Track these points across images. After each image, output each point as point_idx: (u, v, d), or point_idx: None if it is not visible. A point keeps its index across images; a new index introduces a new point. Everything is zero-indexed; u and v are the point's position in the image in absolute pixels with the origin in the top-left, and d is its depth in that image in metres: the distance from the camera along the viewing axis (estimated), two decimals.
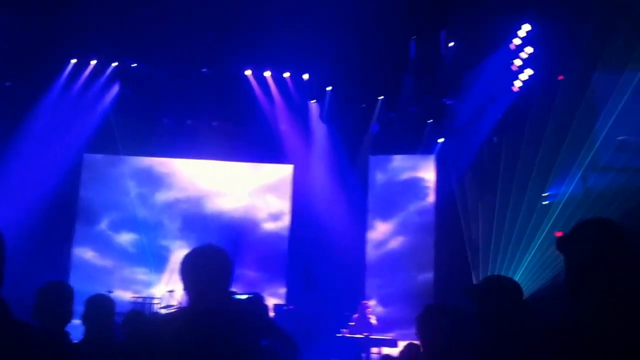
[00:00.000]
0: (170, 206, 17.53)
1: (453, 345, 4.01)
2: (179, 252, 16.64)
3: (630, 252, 2.72)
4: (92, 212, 17.18)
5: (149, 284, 16.65)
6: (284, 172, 17.99)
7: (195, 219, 17.36)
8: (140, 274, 16.91)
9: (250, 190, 17.84)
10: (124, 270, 16.84)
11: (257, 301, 5.45)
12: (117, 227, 17.23)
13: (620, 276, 2.68)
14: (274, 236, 17.64)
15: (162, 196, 17.55)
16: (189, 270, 3.48)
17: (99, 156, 17.47)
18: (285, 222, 17.77)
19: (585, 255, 2.74)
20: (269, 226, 17.73)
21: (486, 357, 3.50)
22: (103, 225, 17.17)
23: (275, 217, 17.78)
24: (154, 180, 17.63)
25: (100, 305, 4.83)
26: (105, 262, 16.92)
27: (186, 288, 3.47)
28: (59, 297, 4.24)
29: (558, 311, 2.96)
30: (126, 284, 15.62)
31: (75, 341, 4.84)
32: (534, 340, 2.99)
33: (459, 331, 4.06)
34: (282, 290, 17.20)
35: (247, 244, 16.74)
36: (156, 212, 17.44)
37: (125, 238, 17.19)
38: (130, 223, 17.25)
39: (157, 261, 16.90)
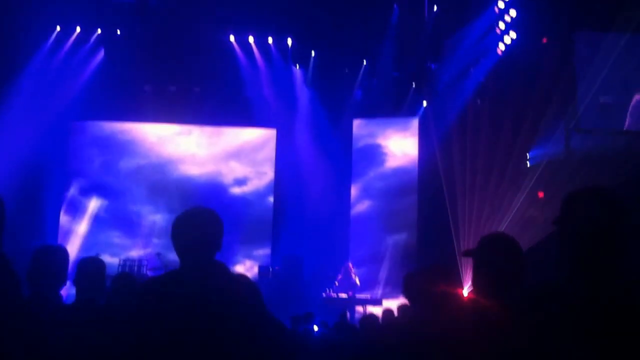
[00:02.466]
0: (138, 171, 17.26)
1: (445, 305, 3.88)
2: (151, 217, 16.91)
3: (628, 221, 2.63)
4: (64, 177, 16.93)
5: (125, 248, 16.42)
6: (267, 136, 17.76)
7: (170, 184, 17.18)
8: (115, 237, 16.67)
9: (232, 154, 17.57)
10: (99, 235, 16.56)
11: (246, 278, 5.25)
12: (87, 192, 16.96)
13: (621, 246, 2.59)
14: (257, 199, 17.40)
15: (131, 163, 17.29)
16: (180, 231, 3.38)
17: (79, 122, 17.15)
18: (266, 182, 17.56)
19: (587, 227, 2.62)
20: (248, 189, 17.50)
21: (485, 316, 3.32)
22: (73, 190, 16.89)
23: (259, 177, 17.57)
24: (128, 147, 17.36)
25: (92, 268, 4.68)
26: (80, 227, 16.67)
27: (177, 249, 3.37)
28: (54, 261, 4.16)
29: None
30: (103, 248, 15.34)
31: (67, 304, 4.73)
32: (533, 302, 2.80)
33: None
34: (264, 252, 17.05)
35: (227, 206, 16.56)
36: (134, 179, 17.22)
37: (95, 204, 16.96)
38: (98, 189, 17.02)
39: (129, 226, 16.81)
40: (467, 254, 3.65)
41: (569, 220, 2.68)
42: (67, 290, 4.81)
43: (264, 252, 17.04)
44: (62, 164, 16.77)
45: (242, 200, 17.25)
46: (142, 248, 16.46)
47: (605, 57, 12.45)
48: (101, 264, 4.77)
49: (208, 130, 17.70)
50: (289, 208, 16.81)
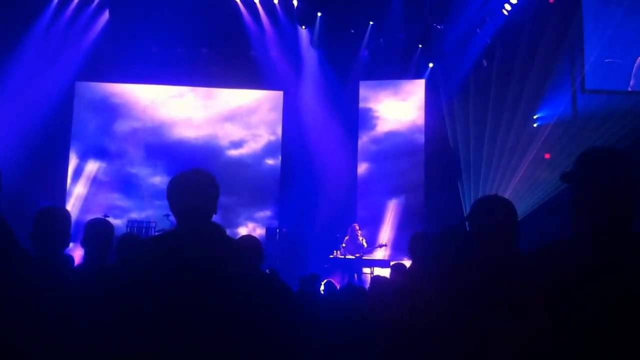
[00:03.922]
0: (134, 134, 17.35)
1: (444, 264, 3.99)
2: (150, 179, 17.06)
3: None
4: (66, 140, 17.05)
5: (127, 210, 16.61)
6: (261, 99, 17.88)
7: (166, 147, 17.31)
8: (117, 199, 16.85)
9: (227, 117, 17.66)
10: (99, 197, 16.71)
11: (249, 241, 5.36)
12: (84, 155, 17.07)
13: (635, 206, 2.62)
14: (255, 161, 17.53)
15: (125, 125, 17.38)
16: (175, 193, 3.47)
17: (83, 84, 17.22)
18: (262, 145, 17.68)
19: (605, 183, 2.63)
20: (245, 151, 17.60)
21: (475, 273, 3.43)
22: (72, 152, 17.00)
23: (255, 140, 17.69)
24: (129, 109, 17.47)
25: (101, 229, 4.79)
26: (80, 189, 16.81)
27: (173, 211, 3.46)
28: (57, 222, 4.17)
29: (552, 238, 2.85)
30: (105, 210, 15.46)
31: (74, 265, 4.82)
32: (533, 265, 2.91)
33: (450, 251, 4.03)
34: (265, 214, 17.23)
35: (225, 169, 16.68)
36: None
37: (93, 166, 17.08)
38: (95, 151, 17.13)
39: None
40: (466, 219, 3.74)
41: (584, 177, 2.68)
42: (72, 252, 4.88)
43: (264, 214, 17.24)
44: (65, 126, 16.88)
45: (240, 162, 17.35)
46: (143, 210, 16.69)
47: (611, 17, 12.41)
48: (109, 226, 4.89)
49: (201, 92, 17.74)
50: (296, 170, 16.92)
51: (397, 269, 7.17)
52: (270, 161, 17.62)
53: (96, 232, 4.72)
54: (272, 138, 17.73)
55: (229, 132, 17.65)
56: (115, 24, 16.34)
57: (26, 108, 15.17)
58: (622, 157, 2.66)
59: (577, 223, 2.73)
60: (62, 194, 16.40)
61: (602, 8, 12.73)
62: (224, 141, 17.59)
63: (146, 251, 3.49)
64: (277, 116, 17.83)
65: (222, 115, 17.68)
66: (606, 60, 12.97)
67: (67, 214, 4.32)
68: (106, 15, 16.41)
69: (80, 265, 4.71)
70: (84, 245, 4.65)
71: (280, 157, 17.61)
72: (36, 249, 4.04)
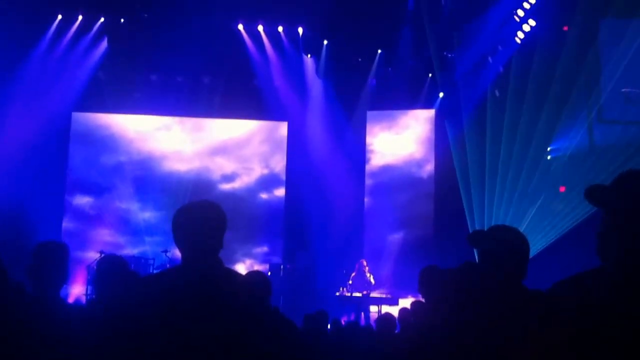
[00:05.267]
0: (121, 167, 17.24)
1: (456, 300, 3.89)
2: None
3: None
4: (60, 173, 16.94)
5: (119, 246, 16.32)
6: (253, 130, 17.86)
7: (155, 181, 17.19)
8: (107, 235, 16.67)
9: (218, 150, 17.63)
10: (89, 233, 16.55)
11: (258, 278, 5.27)
12: (73, 188, 16.99)
13: None
14: (249, 195, 17.47)
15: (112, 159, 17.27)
16: (181, 226, 3.37)
17: (81, 114, 17.20)
18: (255, 178, 17.63)
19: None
20: (238, 185, 17.58)
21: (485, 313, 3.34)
22: (61, 186, 16.88)
23: (248, 173, 17.64)
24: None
25: (112, 266, 4.70)
26: (70, 224, 16.70)
27: (178, 245, 3.37)
28: (55, 258, 4.09)
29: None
30: (96, 247, 15.33)
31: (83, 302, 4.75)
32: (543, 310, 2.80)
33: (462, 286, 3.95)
34: (262, 250, 17.14)
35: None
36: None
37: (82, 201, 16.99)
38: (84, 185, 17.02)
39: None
40: (471, 240, 3.65)
41: (619, 203, 2.52)
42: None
43: (262, 250, 17.17)
44: (60, 158, 16.80)
45: (233, 196, 17.17)
46: (135, 246, 16.55)
47: (628, 45, 12.36)
48: (124, 263, 4.80)
49: (191, 124, 17.68)
50: (300, 203, 16.81)
51: (406, 311, 7.07)
52: (264, 195, 17.57)
53: (108, 269, 4.65)
54: (265, 171, 17.69)
55: (221, 165, 17.60)
56: (114, 53, 16.36)
57: (21, 139, 15.12)
58: None
59: (606, 252, 2.57)
60: (57, 229, 16.26)
61: (619, 36, 12.69)
62: (215, 174, 17.55)
63: (152, 287, 3.40)
64: (269, 148, 17.79)
65: (213, 148, 17.64)
66: (623, 90, 12.92)
67: (65, 250, 4.24)
68: (105, 44, 16.44)
69: (89, 303, 4.64)
70: (94, 284, 4.58)
71: (278, 190, 17.57)
72: (33, 287, 3.97)
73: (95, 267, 4.61)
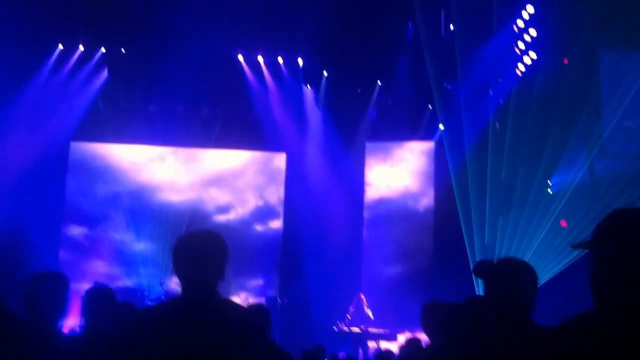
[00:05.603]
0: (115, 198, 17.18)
1: (464, 340, 3.83)
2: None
3: None
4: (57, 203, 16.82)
5: (113, 278, 16.16)
6: (247, 161, 17.84)
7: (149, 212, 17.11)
8: (102, 267, 16.56)
9: (241, 179, 17.57)
10: (83, 264, 16.38)
11: (258, 310, 5.22)
12: (66, 218, 16.90)
13: None
14: (243, 227, 17.38)
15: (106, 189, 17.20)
16: (181, 256, 3.34)
17: (79, 144, 17.15)
18: (250, 210, 17.58)
19: (626, 250, 2.42)
20: (232, 217, 17.55)
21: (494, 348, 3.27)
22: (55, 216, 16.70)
23: (242, 205, 17.57)
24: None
25: (102, 296, 4.65)
26: (63, 255, 16.59)
27: (178, 275, 3.34)
28: (54, 288, 4.07)
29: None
30: (89, 277, 15.23)
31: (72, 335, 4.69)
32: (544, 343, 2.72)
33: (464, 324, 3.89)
34: (256, 283, 17.02)
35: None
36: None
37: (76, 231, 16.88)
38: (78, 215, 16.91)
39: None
40: (477, 271, 3.60)
41: (607, 241, 2.49)
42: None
43: (257, 282, 17.04)
44: (57, 187, 16.72)
45: (227, 228, 16.95)
46: (129, 277, 16.45)
47: (630, 78, 12.34)
48: (112, 294, 4.75)
49: (184, 155, 17.65)
50: (297, 235, 16.73)
51: (410, 344, 6.97)
52: (259, 227, 17.50)
53: (96, 300, 4.60)
54: (260, 203, 17.63)
55: (215, 197, 17.55)
56: (114, 82, 16.41)
57: (20, 168, 15.13)
58: None
59: (599, 295, 2.53)
60: (54, 259, 16.12)
61: (620, 69, 12.69)
62: (210, 206, 17.48)
63: (152, 318, 3.36)
64: (264, 180, 17.77)
65: (207, 179, 17.60)
66: (625, 124, 12.89)
67: (64, 280, 4.20)
68: (105, 74, 16.48)
69: (81, 335, 4.59)
70: (83, 315, 4.53)
71: (273, 222, 17.52)
72: (29, 317, 3.91)
73: (83, 297, 4.55)
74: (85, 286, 14.32)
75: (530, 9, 13.89)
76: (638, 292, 2.39)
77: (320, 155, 16.98)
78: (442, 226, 16.17)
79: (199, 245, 3.34)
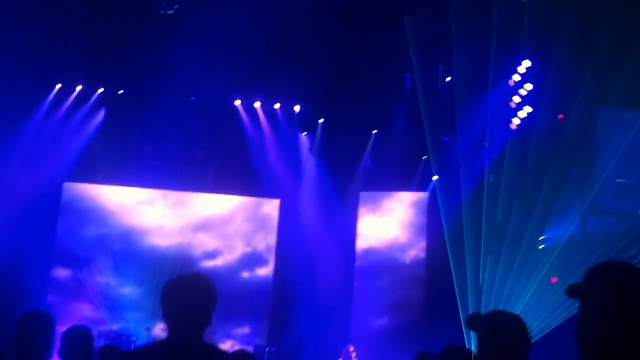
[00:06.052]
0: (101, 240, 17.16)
1: None
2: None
3: None
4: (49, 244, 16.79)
5: (99, 321, 16.10)
6: (236, 207, 17.85)
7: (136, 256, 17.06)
8: (87, 310, 16.49)
9: (229, 225, 17.59)
10: (68, 305, 16.35)
11: (243, 357, 5.23)
12: (53, 260, 16.83)
13: None
14: (230, 274, 17.33)
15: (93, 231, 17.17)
16: (170, 298, 3.36)
17: (71, 185, 17.18)
18: (237, 256, 17.54)
19: (608, 302, 2.48)
20: (220, 262, 17.54)
21: None
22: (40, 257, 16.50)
23: (230, 252, 17.57)
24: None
25: (79, 339, 4.65)
26: (49, 296, 16.53)
27: (166, 316, 3.35)
28: (39, 329, 4.09)
29: None
30: (74, 320, 15.11)
31: None
32: None
33: None
34: (242, 331, 16.93)
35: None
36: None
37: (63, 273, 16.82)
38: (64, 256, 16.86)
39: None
40: (470, 323, 3.61)
41: (595, 293, 2.53)
42: None
43: (243, 331, 16.93)
44: (49, 228, 16.69)
45: (215, 274, 16.67)
46: (114, 322, 16.37)
47: (623, 135, 12.44)
48: (89, 335, 4.74)
49: (172, 198, 17.65)
50: (287, 283, 16.71)
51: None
52: (246, 274, 17.42)
53: (75, 341, 4.60)
54: (247, 249, 17.58)
55: (203, 242, 17.52)
56: (111, 123, 16.50)
57: (12, 207, 15.14)
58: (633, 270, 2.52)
59: (585, 345, 2.55)
60: (42, 300, 16.03)
61: (613, 126, 12.78)
62: (197, 251, 17.45)
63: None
64: (252, 226, 17.74)
65: (195, 224, 17.58)
66: (617, 181, 12.93)
67: (51, 320, 4.23)
68: (102, 114, 16.57)
69: None
70: (60, 355, 4.54)
71: (261, 270, 17.44)
72: (17, 358, 3.93)
73: (61, 337, 4.55)
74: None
75: (527, 63, 14.03)
76: (621, 344, 2.42)
77: (313, 203, 17.02)
78: (434, 278, 16.13)
79: (188, 289, 3.35)
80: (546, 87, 13.74)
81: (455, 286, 14.97)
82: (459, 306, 14.82)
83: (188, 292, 3.33)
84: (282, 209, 17.61)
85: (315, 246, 16.53)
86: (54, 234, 16.82)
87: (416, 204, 17.06)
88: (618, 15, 11.47)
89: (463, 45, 13.77)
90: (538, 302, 13.48)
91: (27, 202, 15.41)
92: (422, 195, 16.98)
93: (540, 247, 14.12)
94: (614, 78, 12.26)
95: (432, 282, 16.14)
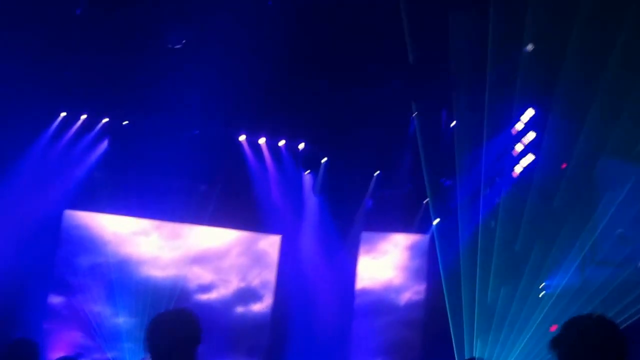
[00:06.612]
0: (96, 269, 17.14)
1: None
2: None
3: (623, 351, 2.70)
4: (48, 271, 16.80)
5: (91, 350, 16.19)
6: (232, 242, 17.90)
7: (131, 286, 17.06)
8: (79, 338, 16.45)
9: (225, 259, 17.67)
10: (62, 334, 16.32)
11: None
12: (48, 287, 16.78)
13: None
14: (235, 310, 17.42)
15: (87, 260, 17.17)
16: (154, 333, 3.43)
17: (72, 213, 17.23)
18: (232, 291, 17.58)
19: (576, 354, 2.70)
20: (214, 296, 17.54)
21: None
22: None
23: (225, 286, 17.60)
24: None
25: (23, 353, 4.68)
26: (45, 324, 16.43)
27: (151, 351, 3.41)
28: (23, 356, 4.22)
29: None
30: (68, 349, 15.12)
31: None
32: None
33: None
34: None
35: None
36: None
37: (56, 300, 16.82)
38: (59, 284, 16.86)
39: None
40: None
41: (569, 344, 2.79)
42: None
43: None
44: (47, 256, 16.74)
45: (209, 308, 17.00)
46: (105, 352, 16.34)
47: (622, 185, 12.55)
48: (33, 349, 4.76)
49: (168, 231, 17.67)
50: (287, 320, 16.71)
51: None
52: (241, 309, 17.42)
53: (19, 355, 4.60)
54: (242, 284, 17.61)
55: (198, 275, 17.53)
56: (114, 153, 16.59)
57: (12, 234, 15.19)
58: (601, 321, 2.79)
59: None
60: (37, 329, 16.04)
61: (613, 175, 12.87)
62: (192, 284, 17.46)
63: None
64: (247, 261, 17.75)
65: (190, 257, 17.59)
66: (617, 231, 13.02)
67: (35, 348, 4.24)
68: (105, 144, 16.70)
69: None
70: None
71: (256, 305, 17.43)
72: None
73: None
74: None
75: (530, 112, 14.20)
76: None
77: (314, 241, 17.09)
78: (432, 321, 16.15)
79: (170, 327, 3.43)
80: (549, 135, 13.88)
81: (452, 331, 15.00)
82: (455, 351, 14.85)
83: (168, 331, 3.40)
84: (283, 246, 17.67)
85: (314, 284, 16.58)
86: (53, 261, 16.82)
87: (412, 247, 17.17)
88: (617, 69, 11.65)
89: (465, 93, 13.95)
90: (535, 348, 13.50)
91: (28, 229, 15.44)
92: (419, 238, 17.08)
93: (540, 294, 14.18)
94: (615, 127, 12.40)
95: (430, 325, 16.15)
